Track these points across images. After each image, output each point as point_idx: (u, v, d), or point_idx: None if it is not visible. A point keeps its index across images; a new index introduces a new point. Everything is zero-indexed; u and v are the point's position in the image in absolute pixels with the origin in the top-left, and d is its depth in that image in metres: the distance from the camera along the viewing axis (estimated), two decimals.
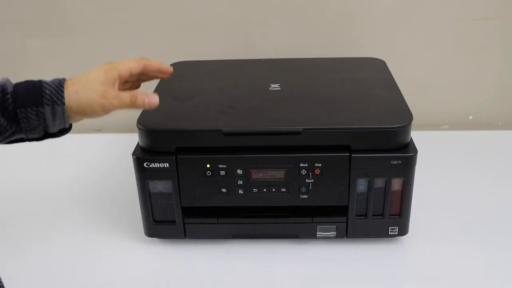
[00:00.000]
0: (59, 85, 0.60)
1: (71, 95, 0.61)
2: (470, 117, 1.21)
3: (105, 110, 0.63)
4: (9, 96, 0.59)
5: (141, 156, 0.70)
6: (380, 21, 1.11)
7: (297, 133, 0.68)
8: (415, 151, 0.69)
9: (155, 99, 0.64)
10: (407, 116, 0.70)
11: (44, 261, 0.75)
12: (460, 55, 1.14)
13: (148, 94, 0.64)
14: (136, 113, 0.74)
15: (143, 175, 0.71)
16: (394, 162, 0.68)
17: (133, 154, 0.71)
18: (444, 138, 1.13)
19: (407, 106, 0.73)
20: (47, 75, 1.27)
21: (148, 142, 0.70)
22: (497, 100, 1.19)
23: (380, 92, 0.79)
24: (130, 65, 0.66)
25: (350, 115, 0.72)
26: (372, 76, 0.87)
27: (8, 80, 0.61)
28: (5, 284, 0.70)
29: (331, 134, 0.68)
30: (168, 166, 0.70)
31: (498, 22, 1.11)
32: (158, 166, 0.70)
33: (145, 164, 0.70)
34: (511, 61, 1.15)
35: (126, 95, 0.63)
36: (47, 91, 0.60)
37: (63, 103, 0.60)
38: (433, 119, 1.21)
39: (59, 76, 1.21)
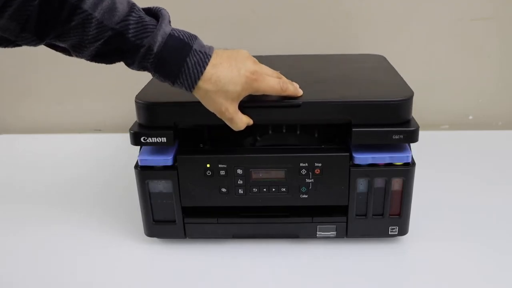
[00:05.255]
0: (199, 71, 0.60)
1: (201, 89, 0.61)
2: (470, 117, 1.21)
3: (215, 113, 0.64)
4: (152, 57, 0.59)
5: (138, 130, 0.69)
6: (380, 21, 1.11)
7: (297, 105, 0.67)
8: (417, 126, 0.68)
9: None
10: (408, 92, 0.69)
11: (44, 261, 0.75)
12: (460, 55, 1.15)
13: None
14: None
15: (143, 175, 0.71)
16: (396, 137, 0.67)
17: (130, 129, 0.69)
18: (444, 138, 1.13)
19: (408, 86, 0.72)
20: (48, 74, 1.27)
21: (145, 117, 0.69)
22: (497, 100, 1.19)
23: (381, 75, 0.79)
24: (269, 89, 0.65)
25: (351, 91, 0.71)
26: (374, 65, 0.87)
27: (164, 27, 0.59)
28: (3, 284, 0.70)
29: (331, 107, 0.67)
30: (165, 140, 0.68)
31: (497, 22, 1.11)
32: (155, 140, 0.68)
33: (142, 139, 0.68)
34: (511, 61, 1.15)
35: (242, 120, 0.65)
36: (185, 74, 0.60)
37: (191, 91, 0.61)
38: (433, 119, 1.21)
39: (60, 76, 1.21)
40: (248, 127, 0.67)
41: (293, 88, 0.67)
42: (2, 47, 0.58)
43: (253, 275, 0.71)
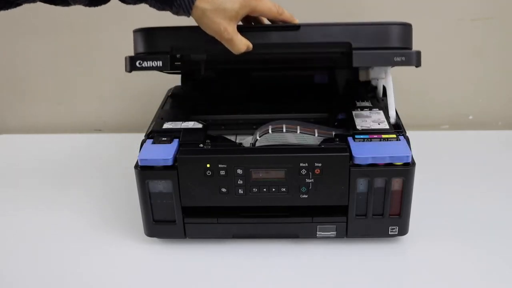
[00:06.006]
0: None
1: (198, 8, 0.61)
2: (470, 117, 1.21)
3: (214, 36, 0.64)
4: None
5: (134, 55, 0.68)
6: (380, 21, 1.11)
7: (296, 28, 0.67)
8: (419, 51, 0.67)
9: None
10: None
11: (44, 261, 0.75)
12: (460, 55, 1.15)
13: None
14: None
15: (143, 175, 0.71)
16: (398, 59, 0.66)
17: (126, 56, 0.69)
18: (444, 138, 1.13)
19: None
20: (48, 74, 1.27)
21: (142, 43, 0.69)
22: (497, 100, 1.19)
23: None
24: (266, 9, 0.66)
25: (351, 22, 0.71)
26: None
27: None
28: (3, 284, 0.70)
29: (331, 29, 0.67)
30: (161, 64, 0.67)
31: (498, 22, 1.11)
32: (151, 64, 0.68)
33: (137, 63, 0.67)
34: (511, 61, 1.15)
35: (242, 41, 0.64)
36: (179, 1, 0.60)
37: (189, 12, 0.61)
38: (433, 119, 1.21)
39: (60, 76, 1.21)
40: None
41: (290, 14, 0.68)
42: (5, 9, 0.59)
43: (253, 275, 0.71)
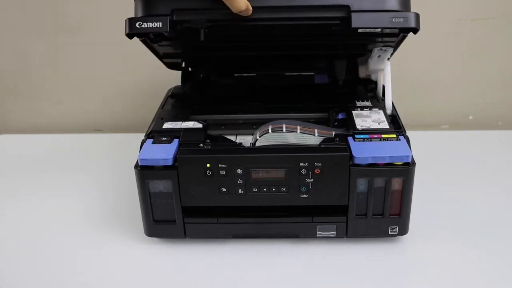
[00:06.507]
0: None
1: None
2: (470, 117, 1.21)
3: None
4: None
5: (134, 17, 0.68)
6: None
7: None
8: (417, 13, 0.67)
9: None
10: None
11: (43, 261, 0.75)
12: (460, 55, 1.15)
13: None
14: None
15: (143, 175, 0.71)
16: (396, 20, 0.66)
17: (126, 19, 0.69)
18: (444, 138, 1.13)
19: None
20: (48, 74, 1.28)
21: (143, 8, 0.69)
22: (497, 100, 1.19)
23: None
24: None
25: None
26: None
27: None
28: (3, 284, 0.70)
29: None
30: (161, 25, 0.68)
31: (498, 22, 1.11)
32: (151, 25, 0.68)
33: (137, 24, 0.67)
34: (511, 61, 1.15)
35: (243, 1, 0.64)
36: None
37: None
38: (433, 119, 1.21)
39: (60, 76, 1.21)
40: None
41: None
42: None
43: (253, 275, 0.71)
